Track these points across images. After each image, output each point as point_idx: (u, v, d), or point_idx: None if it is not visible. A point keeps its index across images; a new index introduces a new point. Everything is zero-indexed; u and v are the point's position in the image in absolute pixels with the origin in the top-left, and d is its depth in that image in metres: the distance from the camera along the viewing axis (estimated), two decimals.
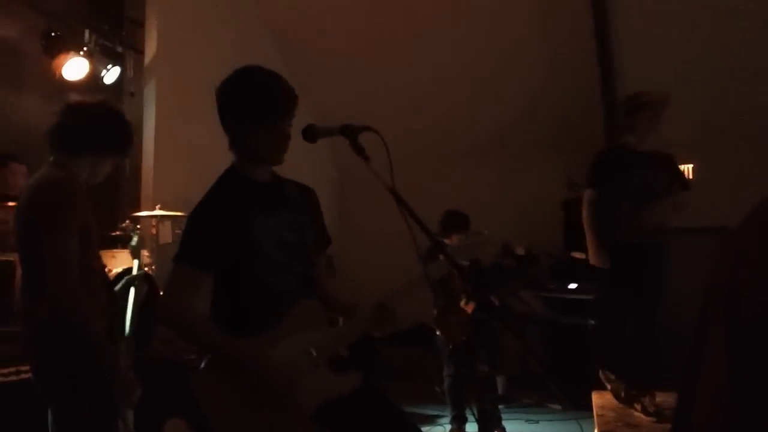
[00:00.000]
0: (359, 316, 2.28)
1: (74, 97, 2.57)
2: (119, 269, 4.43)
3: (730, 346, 0.92)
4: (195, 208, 2.22)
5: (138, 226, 4.85)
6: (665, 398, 4.25)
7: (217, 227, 2.15)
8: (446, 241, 4.61)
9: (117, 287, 3.60)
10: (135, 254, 3.76)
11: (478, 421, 4.73)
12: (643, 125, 4.35)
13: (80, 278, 2.21)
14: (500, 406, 5.11)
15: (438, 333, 4.94)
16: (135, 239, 3.75)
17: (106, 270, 4.48)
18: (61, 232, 2.20)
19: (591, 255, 4.40)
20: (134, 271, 3.77)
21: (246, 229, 2.18)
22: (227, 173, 2.30)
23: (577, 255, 5.83)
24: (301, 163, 2.34)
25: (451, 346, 4.90)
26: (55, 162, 2.41)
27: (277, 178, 2.38)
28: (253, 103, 2.19)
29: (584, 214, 4.41)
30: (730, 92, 5.76)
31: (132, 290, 3.61)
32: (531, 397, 5.99)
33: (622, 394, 4.36)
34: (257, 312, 2.17)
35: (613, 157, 4.48)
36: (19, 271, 3.98)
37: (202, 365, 2.12)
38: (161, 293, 2.17)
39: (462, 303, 4.92)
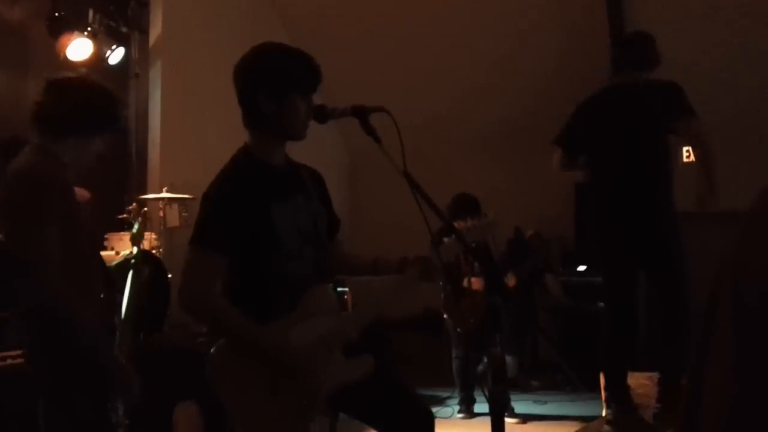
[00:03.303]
0: (404, 278, 2.27)
1: (53, 74, 2.36)
2: (126, 252, 4.42)
3: (737, 328, 0.92)
4: (209, 191, 2.18)
5: (145, 209, 4.82)
6: None
7: (235, 212, 2.12)
8: (456, 224, 4.58)
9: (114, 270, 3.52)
10: (135, 242, 3.63)
11: (489, 402, 4.74)
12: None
13: (69, 268, 2.09)
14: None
15: (446, 317, 4.93)
16: (136, 226, 3.62)
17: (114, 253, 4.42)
18: (39, 223, 2.08)
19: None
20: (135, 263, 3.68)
21: (264, 215, 2.16)
22: (241, 155, 2.26)
23: None
24: (312, 147, 2.32)
25: (459, 330, 4.89)
26: (38, 146, 2.26)
27: (290, 161, 2.35)
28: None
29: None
30: (743, 74, 5.69)
31: (130, 274, 3.52)
32: (540, 381, 5.99)
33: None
34: (272, 297, 2.16)
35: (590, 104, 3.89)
36: None
37: (215, 349, 2.11)
38: (180, 279, 2.12)
39: (464, 282, 4.86)
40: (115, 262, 3.97)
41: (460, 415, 5.03)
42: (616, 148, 3.77)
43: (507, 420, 4.81)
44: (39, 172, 2.15)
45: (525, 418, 4.92)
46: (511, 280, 5.36)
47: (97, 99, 2.31)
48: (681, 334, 3.77)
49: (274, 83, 2.17)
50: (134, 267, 3.50)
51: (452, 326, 4.97)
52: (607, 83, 3.99)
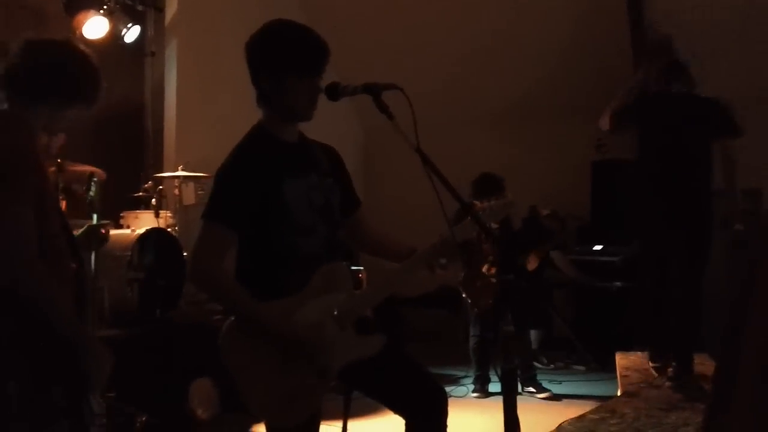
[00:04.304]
0: (418, 256, 2.28)
1: (32, 34, 2.08)
2: (142, 230, 4.45)
3: None
4: (223, 166, 2.19)
5: (161, 187, 4.84)
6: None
7: (247, 187, 2.13)
8: (477, 203, 4.56)
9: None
10: (92, 208, 3.12)
11: (501, 381, 4.75)
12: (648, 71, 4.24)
13: (42, 247, 1.90)
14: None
15: (464, 296, 4.93)
16: (93, 189, 3.14)
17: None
18: (13, 202, 1.85)
19: None
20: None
21: (276, 191, 2.16)
22: (255, 131, 2.26)
23: None
24: (327, 125, 2.30)
25: (476, 309, 4.89)
26: (8, 112, 2.01)
27: (303, 138, 2.35)
28: (294, 54, 2.16)
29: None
30: (762, 47, 5.59)
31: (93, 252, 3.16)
32: (555, 360, 6.00)
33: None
34: (284, 274, 2.16)
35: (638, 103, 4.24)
36: None
37: (227, 325, 2.13)
38: (191, 252, 2.14)
39: (484, 268, 4.88)
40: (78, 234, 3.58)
41: (475, 395, 5.04)
42: (663, 146, 4.09)
43: (537, 395, 4.89)
44: (8, 146, 1.92)
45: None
46: (532, 263, 5.36)
47: (77, 63, 2.08)
48: (693, 314, 4.06)
49: (273, 65, 2.17)
50: (94, 236, 3.04)
51: (471, 305, 4.98)
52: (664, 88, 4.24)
